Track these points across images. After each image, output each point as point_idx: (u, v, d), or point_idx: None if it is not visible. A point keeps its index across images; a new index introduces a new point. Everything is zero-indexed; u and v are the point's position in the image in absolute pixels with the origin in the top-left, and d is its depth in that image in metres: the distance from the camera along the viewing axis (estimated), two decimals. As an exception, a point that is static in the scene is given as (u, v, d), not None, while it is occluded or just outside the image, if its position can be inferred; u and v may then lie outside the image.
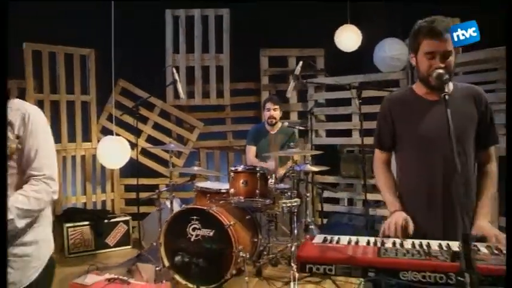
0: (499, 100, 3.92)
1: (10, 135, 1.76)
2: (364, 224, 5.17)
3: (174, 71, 4.69)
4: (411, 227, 1.95)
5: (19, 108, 1.82)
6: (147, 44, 5.74)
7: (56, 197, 1.87)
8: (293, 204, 3.52)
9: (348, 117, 5.48)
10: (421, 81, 2.06)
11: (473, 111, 2.04)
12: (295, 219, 3.56)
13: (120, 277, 2.99)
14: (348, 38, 5.37)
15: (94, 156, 5.61)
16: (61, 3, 5.23)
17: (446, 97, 1.69)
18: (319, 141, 5.69)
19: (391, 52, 5.13)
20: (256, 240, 3.67)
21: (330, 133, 5.71)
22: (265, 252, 3.90)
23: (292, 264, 3.40)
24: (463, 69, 4.37)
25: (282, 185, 3.88)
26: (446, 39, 1.95)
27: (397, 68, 5.18)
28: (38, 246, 1.88)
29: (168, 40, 5.78)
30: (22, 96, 5.24)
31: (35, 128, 1.82)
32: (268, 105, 4.51)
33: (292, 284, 3.27)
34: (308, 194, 4.13)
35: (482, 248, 1.75)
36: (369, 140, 5.07)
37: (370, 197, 5.26)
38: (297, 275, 3.32)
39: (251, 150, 4.51)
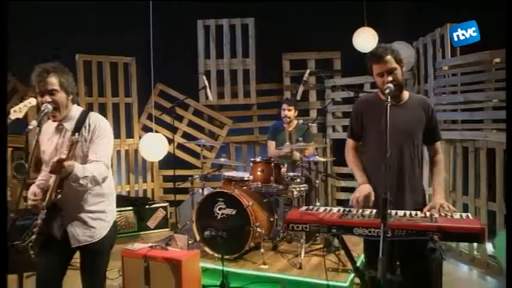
0: (486, 98, 4.50)
1: (85, 135, 2.57)
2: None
3: (205, 78, 5.47)
4: (372, 196, 2.62)
5: (92, 118, 2.64)
6: (182, 51, 6.54)
7: (110, 174, 2.68)
8: (301, 189, 4.23)
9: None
10: (380, 92, 2.74)
11: (421, 115, 2.69)
12: (304, 202, 4.28)
13: (161, 244, 3.80)
14: (365, 39, 5.91)
15: (136, 151, 6.48)
16: (106, 17, 6.11)
17: (389, 105, 2.33)
18: (336, 136, 6.33)
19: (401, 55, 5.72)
20: (272, 219, 4.39)
21: (346, 128, 6.35)
22: (281, 231, 4.62)
23: (301, 239, 4.11)
24: (461, 70, 4.93)
25: (291, 173, 4.57)
26: (387, 61, 2.57)
27: (405, 69, 5.76)
28: (109, 209, 2.70)
29: (200, 47, 6.56)
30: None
31: (103, 133, 2.63)
32: (284, 106, 5.17)
33: (301, 255, 3.98)
34: (317, 182, 4.79)
35: (435, 213, 2.40)
36: None
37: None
38: (304, 247, 4.04)
39: (271, 144, 5.21)
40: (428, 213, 2.41)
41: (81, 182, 2.40)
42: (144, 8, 5.47)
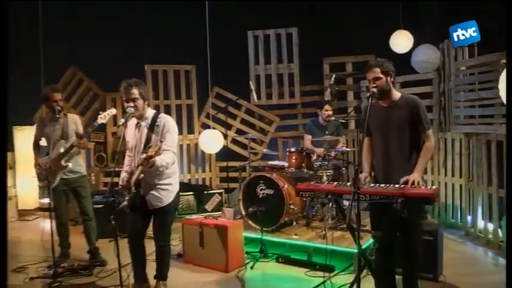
0: (494, 95, 5.18)
1: (157, 130, 3.71)
2: None
3: (251, 83, 6.52)
4: (368, 180, 3.50)
5: (161, 117, 3.79)
6: (235, 59, 7.59)
7: (175, 158, 3.82)
8: (327, 174, 5.17)
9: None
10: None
11: (407, 113, 3.44)
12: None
13: (213, 215, 4.91)
14: (402, 41, 6.63)
15: (196, 145, 7.64)
16: (169, 32, 7.31)
17: (369, 104, 3.24)
18: None
19: (424, 56, 6.40)
20: (305, 200, 5.36)
21: None
22: (314, 211, 5.58)
23: (327, 216, 5.06)
24: (470, 71, 5.63)
25: (319, 162, 5.47)
26: (374, 71, 3.40)
27: (430, 70, 6.46)
28: (174, 182, 3.86)
29: (250, 54, 7.62)
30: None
31: (170, 129, 3.76)
32: (326, 107, 6.02)
33: (325, 229, 4.92)
34: (343, 169, 5.70)
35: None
36: None
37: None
38: (330, 222, 4.99)
39: (307, 138, 6.14)
40: (401, 185, 3.28)
41: (159, 169, 3.63)
42: (201, 23, 6.56)
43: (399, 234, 3.42)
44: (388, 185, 3.30)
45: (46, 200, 7.71)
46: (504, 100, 4.04)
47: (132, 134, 3.89)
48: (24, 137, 7.66)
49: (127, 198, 3.72)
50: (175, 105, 7.73)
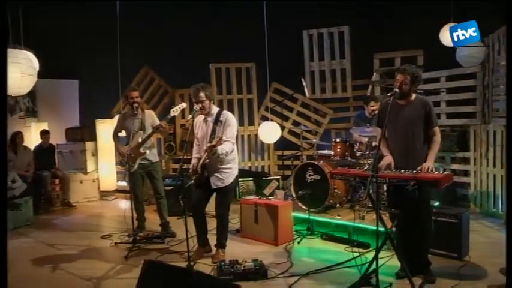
0: None
1: (220, 124, 4.63)
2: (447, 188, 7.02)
3: (303, 80, 7.23)
4: (392, 164, 4.17)
5: (224, 113, 4.72)
6: (291, 56, 8.29)
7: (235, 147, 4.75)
8: (368, 162, 5.81)
9: (437, 104, 7.31)
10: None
11: (421, 111, 4.07)
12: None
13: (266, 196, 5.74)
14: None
15: (256, 135, 8.46)
16: (231, 33, 8.16)
17: (391, 103, 3.91)
18: None
19: (469, 51, 6.82)
20: (348, 186, 6.03)
21: None
22: (359, 196, 6.24)
23: (366, 200, 5.72)
24: None
25: (361, 152, 6.09)
26: (405, 76, 4.02)
27: (474, 64, 6.82)
28: (233, 167, 4.79)
29: (305, 52, 8.31)
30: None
31: (230, 124, 4.67)
32: (372, 103, 6.60)
33: (363, 212, 5.58)
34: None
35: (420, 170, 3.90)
36: (454, 121, 6.90)
37: (456, 166, 7.14)
38: (368, 206, 5.65)
39: (354, 130, 6.78)
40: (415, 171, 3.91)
41: (220, 156, 4.57)
42: (259, 24, 7.30)
43: (412, 213, 4.06)
44: (404, 170, 3.96)
45: (123, 183, 8.94)
46: None
47: (200, 127, 4.89)
48: (104, 129, 8.88)
49: (193, 178, 4.78)
50: (237, 100, 8.61)
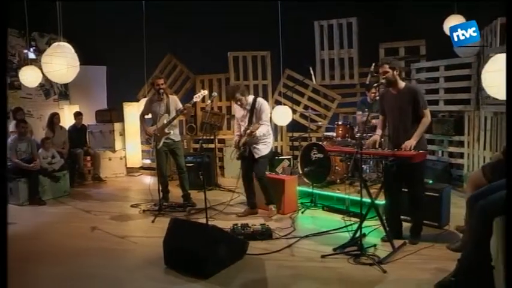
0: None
1: (256, 110, 5.82)
2: (441, 167, 7.75)
3: (311, 68, 8.07)
4: (377, 143, 5.05)
5: (258, 101, 5.89)
6: (303, 45, 9.12)
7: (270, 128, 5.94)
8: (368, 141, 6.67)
9: (436, 91, 8.07)
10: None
11: (410, 98, 4.87)
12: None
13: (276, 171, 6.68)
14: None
15: (270, 118, 9.34)
16: (248, 24, 9.01)
17: (384, 91, 4.78)
18: None
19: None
20: (348, 163, 6.90)
21: (429, 102, 8.33)
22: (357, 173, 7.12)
23: (365, 175, 6.59)
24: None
25: (358, 134, 6.94)
26: (383, 67, 4.85)
27: (470, 54, 7.53)
28: (268, 141, 6.04)
29: (316, 41, 9.14)
30: (227, 82, 9.34)
31: (264, 110, 5.80)
32: (373, 90, 7.41)
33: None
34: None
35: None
36: (451, 107, 7.62)
37: (452, 149, 7.93)
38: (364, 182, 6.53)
39: (358, 114, 7.62)
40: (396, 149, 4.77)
41: (258, 137, 5.75)
42: (274, 15, 8.09)
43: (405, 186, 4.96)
44: (386, 148, 4.84)
45: (147, 161, 9.98)
46: (487, 90, 5.14)
47: (239, 110, 6.12)
48: (131, 111, 9.90)
49: (238, 153, 6.14)
50: (252, 85, 9.51)
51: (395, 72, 4.91)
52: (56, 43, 5.53)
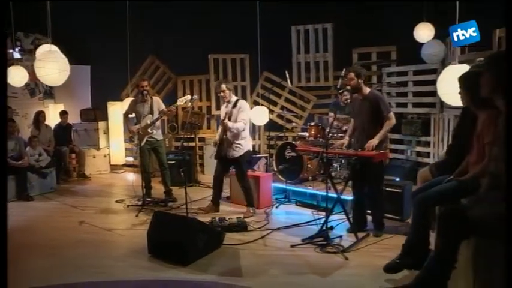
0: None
1: (237, 109, 6.21)
2: (409, 166, 8.34)
3: (286, 72, 8.62)
4: (344, 145, 5.62)
5: (239, 101, 6.38)
6: (280, 49, 9.62)
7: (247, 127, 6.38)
8: (335, 142, 7.26)
9: (405, 94, 8.71)
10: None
11: (373, 103, 5.45)
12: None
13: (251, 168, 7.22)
14: (424, 33, 7.76)
15: (250, 121, 9.89)
16: (228, 27, 9.54)
17: (353, 97, 5.38)
18: (393, 110, 8.87)
19: (431, 50, 8.08)
20: (320, 161, 7.49)
21: (399, 104, 8.97)
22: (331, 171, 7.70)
23: (334, 173, 7.18)
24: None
25: (331, 134, 7.50)
26: (349, 75, 5.42)
27: (436, 61, 8.13)
28: (244, 143, 6.44)
29: (293, 45, 9.69)
30: (207, 83, 9.87)
31: (244, 109, 6.26)
32: (345, 92, 7.91)
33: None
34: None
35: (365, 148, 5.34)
36: (419, 110, 8.20)
37: (420, 149, 8.55)
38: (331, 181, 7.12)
39: (330, 115, 8.19)
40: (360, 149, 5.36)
41: (230, 130, 6.16)
42: (253, 20, 8.50)
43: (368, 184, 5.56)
44: (352, 149, 5.43)
45: (130, 158, 10.46)
46: (441, 97, 5.54)
47: (224, 111, 6.49)
48: (115, 110, 10.38)
49: (215, 151, 6.53)
50: (232, 86, 9.95)
51: (359, 80, 5.48)
52: (47, 48, 6.01)
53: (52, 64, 5.59)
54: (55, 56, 5.69)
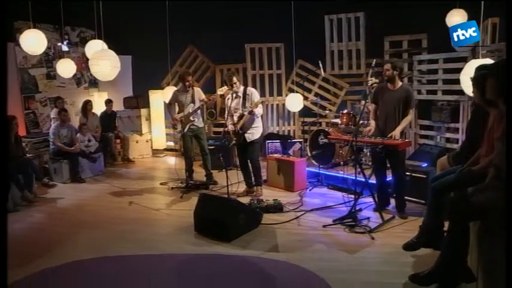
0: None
1: (247, 97, 6.80)
2: (438, 152, 8.76)
3: (320, 62, 9.10)
4: (372, 132, 6.16)
5: (249, 89, 6.97)
6: (314, 37, 10.11)
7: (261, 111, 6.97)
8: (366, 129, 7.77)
9: (435, 82, 9.08)
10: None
11: (403, 96, 5.91)
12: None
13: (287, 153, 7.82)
14: (457, 19, 7.73)
15: (283, 105, 10.45)
16: (263, 16, 10.08)
17: (383, 85, 5.92)
18: (422, 97, 9.36)
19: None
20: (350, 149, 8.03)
21: (429, 91, 9.33)
22: (362, 157, 8.24)
23: (363, 159, 7.71)
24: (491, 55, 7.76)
25: (362, 121, 7.99)
26: (387, 65, 5.92)
27: (466, 49, 8.50)
28: (259, 125, 7.07)
29: (326, 34, 10.14)
30: (244, 71, 10.49)
31: (253, 96, 6.85)
32: (372, 78, 8.46)
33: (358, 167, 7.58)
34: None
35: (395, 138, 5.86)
36: (448, 97, 8.56)
37: (449, 135, 8.94)
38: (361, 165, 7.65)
39: (361, 103, 8.69)
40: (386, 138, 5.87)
41: (255, 116, 6.80)
42: (288, 10, 9.05)
43: (390, 168, 6.11)
44: (378, 137, 5.95)
45: (171, 143, 11.22)
46: (464, 90, 5.75)
47: (233, 101, 7.01)
48: (156, 98, 11.13)
49: (235, 139, 7.03)
50: (267, 74, 10.63)
51: (395, 72, 5.97)
52: (100, 46, 6.73)
53: (105, 61, 6.28)
54: (107, 54, 6.37)
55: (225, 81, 7.11)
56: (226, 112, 7.25)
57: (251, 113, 6.81)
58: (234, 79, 6.92)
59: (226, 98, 7.23)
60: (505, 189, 2.91)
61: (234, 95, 7.02)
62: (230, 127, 7.11)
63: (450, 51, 8.54)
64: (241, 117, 6.93)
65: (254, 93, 7.06)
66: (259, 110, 6.89)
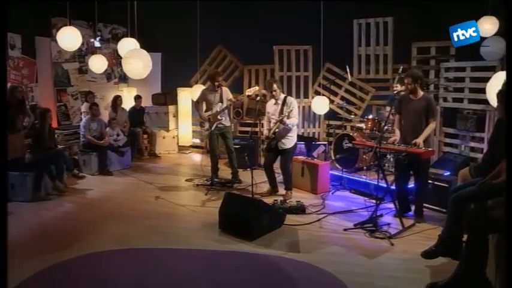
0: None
1: (285, 107, 7.02)
2: (461, 160, 8.64)
3: (347, 66, 9.24)
4: (396, 140, 6.28)
5: (288, 98, 7.16)
6: (342, 41, 10.23)
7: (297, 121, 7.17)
8: (390, 137, 7.87)
9: (462, 90, 9.10)
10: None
11: (425, 105, 6.05)
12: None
13: (311, 156, 8.00)
14: (488, 27, 7.64)
15: (309, 107, 10.60)
16: (292, 19, 10.24)
17: (405, 95, 6.06)
18: (447, 105, 9.36)
19: (492, 48, 8.38)
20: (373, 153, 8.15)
21: (455, 99, 9.34)
22: (385, 162, 8.35)
23: (387, 165, 7.83)
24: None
25: (386, 127, 8.09)
26: (407, 79, 6.05)
27: (495, 59, 8.45)
28: (293, 135, 7.23)
29: (355, 38, 10.26)
30: (272, 73, 10.67)
31: (294, 106, 7.06)
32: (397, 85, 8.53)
33: (378, 175, 7.70)
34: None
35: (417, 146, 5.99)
36: (474, 106, 8.59)
37: (473, 144, 8.95)
38: (384, 170, 7.76)
39: (386, 109, 8.80)
40: (409, 145, 6.00)
41: (287, 126, 6.93)
42: (317, 13, 9.04)
43: (413, 175, 6.24)
44: (402, 145, 6.08)
45: (197, 140, 11.47)
46: (490, 102, 5.85)
47: (272, 107, 7.27)
48: (184, 95, 11.39)
49: (266, 143, 7.24)
50: (295, 76, 10.82)
51: (416, 84, 6.10)
52: (133, 46, 6.98)
53: (137, 60, 6.53)
54: (140, 53, 6.62)
55: (266, 88, 7.36)
56: (265, 117, 7.54)
57: (282, 122, 6.96)
58: (275, 86, 7.16)
59: (268, 102, 7.49)
60: (505, 189, 3.01)
61: (274, 101, 7.27)
62: (265, 132, 7.35)
63: (478, 60, 8.58)
64: (276, 123, 7.11)
65: (294, 104, 7.16)
66: (291, 121, 7.01)
